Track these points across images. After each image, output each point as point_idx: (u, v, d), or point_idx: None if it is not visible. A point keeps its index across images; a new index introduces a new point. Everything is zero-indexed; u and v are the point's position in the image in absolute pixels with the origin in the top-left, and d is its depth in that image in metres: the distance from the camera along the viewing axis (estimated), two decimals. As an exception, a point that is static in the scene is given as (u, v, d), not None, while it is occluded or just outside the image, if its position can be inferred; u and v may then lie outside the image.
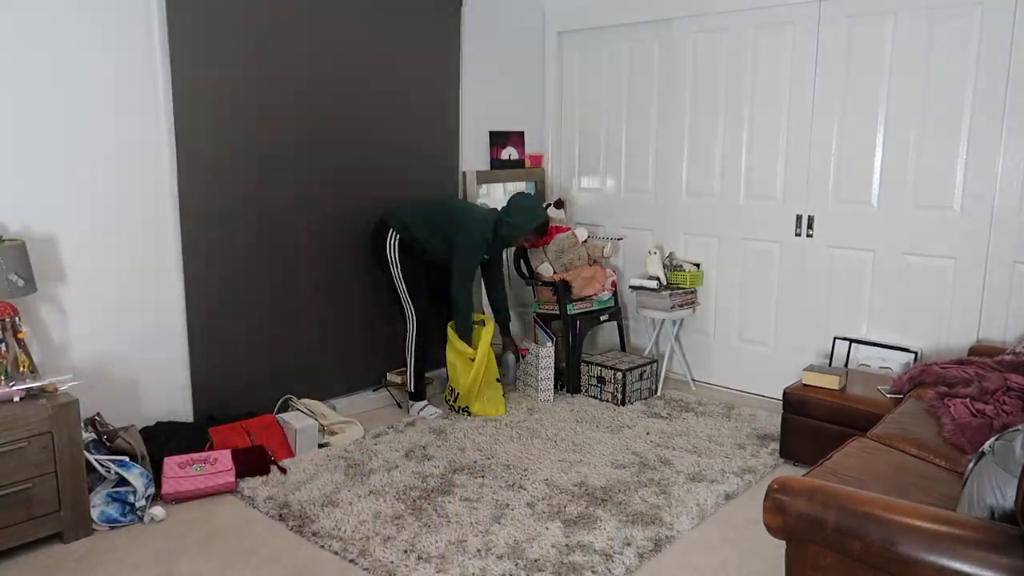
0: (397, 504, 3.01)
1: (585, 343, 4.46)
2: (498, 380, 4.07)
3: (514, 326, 5.08)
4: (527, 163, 4.94)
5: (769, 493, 1.94)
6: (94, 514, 2.80)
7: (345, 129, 3.91)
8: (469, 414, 4.01)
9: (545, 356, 4.23)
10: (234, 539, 2.77)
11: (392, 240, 3.87)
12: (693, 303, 4.39)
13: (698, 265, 4.46)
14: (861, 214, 3.86)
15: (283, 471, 3.30)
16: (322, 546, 2.72)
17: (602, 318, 4.48)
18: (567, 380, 4.37)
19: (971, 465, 1.95)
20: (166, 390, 3.41)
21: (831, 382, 3.35)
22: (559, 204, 4.68)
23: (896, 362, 3.74)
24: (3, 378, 2.65)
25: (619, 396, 4.18)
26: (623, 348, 4.67)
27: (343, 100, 3.88)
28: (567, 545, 2.69)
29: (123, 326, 3.24)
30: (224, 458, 3.15)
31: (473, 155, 4.61)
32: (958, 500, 1.97)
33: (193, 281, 3.41)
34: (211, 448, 3.24)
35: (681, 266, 4.43)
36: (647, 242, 4.70)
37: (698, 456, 3.49)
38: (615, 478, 3.25)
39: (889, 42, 3.67)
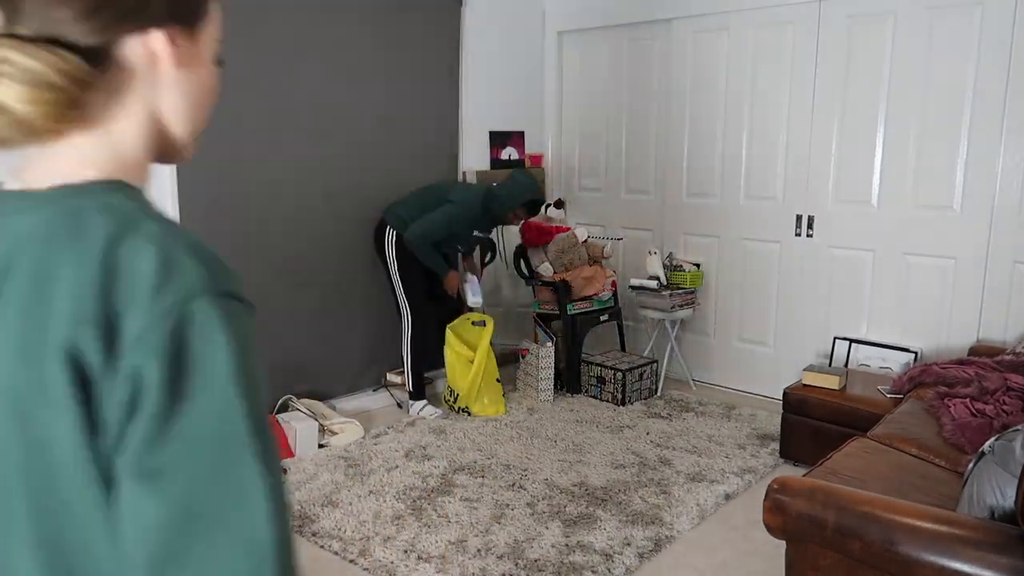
0: (397, 504, 3.01)
1: (585, 343, 4.46)
2: (498, 380, 4.07)
3: (514, 326, 5.08)
4: (527, 163, 4.94)
5: (769, 493, 1.94)
6: (94, 514, 2.80)
7: (344, 129, 3.91)
8: (469, 414, 4.01)
9: (545, 356, 4.23)
10: (234, 539, 2.77)
11: (390, 238, 3.88)
12: (693, 303, 4.39)
13: (698, 265, 4.46)
14: (861, 214, 3.86)
15: (283, 471, 3.30)
16: (322, 546, 2.72)
17: (602, 318, 4.48)
18: (567, 380, 4.37)
19: (971, 465, 1.95)
20: (166, 390, 3.40)
21: (831, 382, 3.35)
22: (559, 204, 4.68)
23: (896, 362, 3.74)
24: (3, 378, 2.64)
25: (619, 396, 4.18)
26: (623, 348, 4.67)
27: (342, 100, 3.88)
28: (567, 545, 2.69)
29: (123, 326, 3.23)
30: (224, 458, 3.15)
31: (473, 155, 4.61)
32: (958, 500, 1.97)
33: (193, 281, 3.41)
34: (211, 448, 3.23)
35: (681, 266, 4.43)
36: (647, 242, 4.70)
37: (698, 456, 3.49)
38: (615, 478, 3.25)
39: (889, 42, 3.67)
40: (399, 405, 4.15)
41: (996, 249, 3.48)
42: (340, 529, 2.82)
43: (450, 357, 4.02)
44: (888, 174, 3.75)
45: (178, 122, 0.70)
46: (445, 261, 3.98)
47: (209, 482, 0.55)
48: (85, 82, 0.61)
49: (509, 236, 4.73)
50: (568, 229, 4.51)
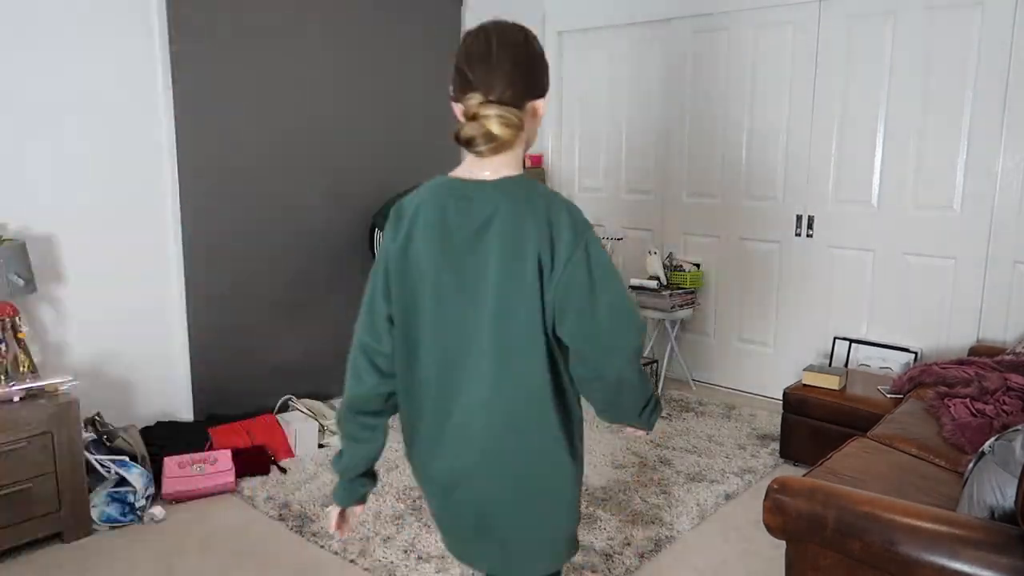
0: (397, 504, 3.01)
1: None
2: None
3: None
4: (527, 163, 4.94)
5: (769, 493, 1.94)
6: (94, 514, 2.80)
7: (345, 129, 3.91)
8: None
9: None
10: (234, 539, 2.77)
11: (377, 240, 3.89)
12: (693, 303, 4.39)
13: (698, 265, 4.46)
14: (861, 214, 3.86)
15: (283, 471, 3.30)
16: (322, 546, 2.72)
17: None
18: (567, 380, 4.35)
19: (971, 465, 1.95)
20: (166, 390, 3.41)
21: (831, 382, 3.35)
22: (559, 204, 4.68)
23: (896, 362, 3.74)
24: (3, 378, 2.65)
25: (619, 396, 4.18)
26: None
27: (342, 100, 3.88)
28: (567, 545, 2.69)
29: (123, 326, 3.24)
30: (224, 458, 3.15)
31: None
32: (958, 500, 1.97)
33: (193, 281, 3.41)
34: (211, 448, 3.24)
35: (681, 266, 4.43)
36: (647, 242, 4.70)
37: (698, 456, 3.49)
38: (615, 478, 3.25)
39: (889, 42, 3.67)
40: (399, 405, 4.15)
41: (996, 249, 3.48)
42: (340, 529, 2.81)
43: None
44: (888, 174, 3.75)
45: (531, 142, 1.39)
46: None
47: (615, 308, 1.28)
48: (521, 122, 1.29)
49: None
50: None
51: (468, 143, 1.28)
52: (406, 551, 2.66)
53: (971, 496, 1.86)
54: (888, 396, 3.24)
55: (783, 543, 1.97)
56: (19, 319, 2.74)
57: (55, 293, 3.04)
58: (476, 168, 1.32)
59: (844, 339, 3.93)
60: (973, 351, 3.36)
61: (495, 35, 1.30)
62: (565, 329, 1.30)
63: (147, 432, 3.21)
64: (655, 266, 4.37)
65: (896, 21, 3.64)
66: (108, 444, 2.99)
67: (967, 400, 2.71)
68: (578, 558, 2.60)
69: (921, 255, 3.70)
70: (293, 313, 3.83)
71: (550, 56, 4.98)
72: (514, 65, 1.29)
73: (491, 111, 1.26)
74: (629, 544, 2.71)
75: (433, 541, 2.72)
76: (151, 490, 2.95)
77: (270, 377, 3.76)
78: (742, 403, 4.23)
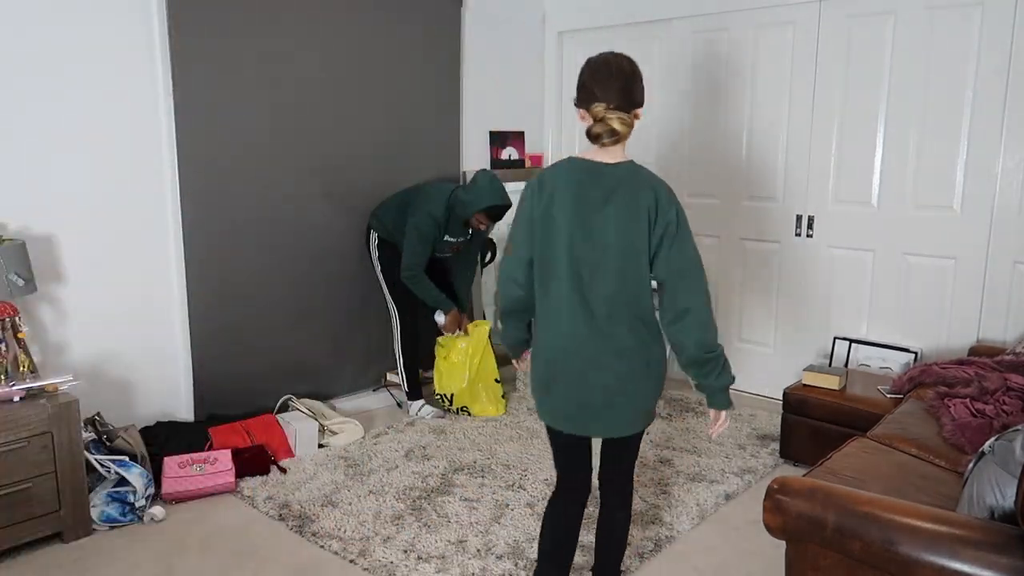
0: (397, 504, 3.01)
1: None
2: (497, 381, 4.07)
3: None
4: (527, 163, 4.94)
5: (769, 493, 1.94)
6: (94, 514, 2.80)
7: (345, 129, 3.91)
8: (469, 414, 4.01)
9: (545, 356, 4.23)
10: (234, 539, 2.77)
11: (373, 240, 3.89)
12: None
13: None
14: (861, 214, 3.86)
15: (283, 471, 3.30)
16: (322, 546, 2.72)
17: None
18: (567, 380, 4.36)
19: (971, 465, 1.95)
20: (166, 390, 3.41)
21: (831, 382, 3.35)
22: (559, 204, 4.68)
23: (896, 362, 3.74)
24: (3, 378, 2.65)
25: (619, 396, 4.18)
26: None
27: (343, 100, 3.88)
28: (567, 545, 2.69)
29: (123, 326, 3.24)
30: (224, 458, 3.15)
31: (473, 155, 4.61)
32: (958, 500, 1.97)
33: (193, 281, 3.41)
34: (211, 448, 3.24)
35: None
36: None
37: (698, 456, 3.49)
38: (615, 478, 3.25)
39: (889, 42, 3.67)
40: (399, 405, 4.15)
41: (996, 249, 3.48)
42: (340, 529, 2.82)
43: (440, 365, 3.99)
44: (888, 174, 3.75)
45: (628, 137, 1.94)
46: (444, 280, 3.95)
47: (693, 253, 1.96)
48: (631, 123, 1.93)
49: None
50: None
51: (597, 138, 1.93)
52: (406, 551, 2.66)
53: (971, 496, 1.86)
54: (888, 396, 3.24)
55: (783, 543, 1.97)
56: (19, 319, 2.74)
57: (55, 293, 3.04)
58: (599, 155, 1.97)
59: (844, 339, 3.93)
60: (973, 351, 3.35)
61: (613, 63, 1.94)
62: (659, 262, 1.96)
63: (147, 432, 3.21)
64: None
65: (896, 21, 3.64)
66: (108, 444, 2.99)
67: (967, 400, 2.71)
68: (578, 558, 2.60)
69: (921, 255, 3.70)
70: (293, 313, 3.83)
71: (550, 56, 4.98)
72: (624, 84, 1.92)
73: (613, 115, 1.90)
74: (629, 544, 2.71)
75: (433, 541, 2.72)
76: (151, 490, 2.95)
77: (270, 377, 3.76)
78: (742, 403, 4.23)
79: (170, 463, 3.06)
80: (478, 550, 2.66)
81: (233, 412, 3.57)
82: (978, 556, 1.59)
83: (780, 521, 1.91)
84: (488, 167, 4.68)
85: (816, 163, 3.97)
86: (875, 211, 3.81)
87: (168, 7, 3.18)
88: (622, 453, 2.18)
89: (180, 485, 3.03)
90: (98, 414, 3.07)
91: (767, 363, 4.30)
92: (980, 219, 3.50)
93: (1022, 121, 3.35)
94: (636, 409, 2.05)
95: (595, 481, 2.21)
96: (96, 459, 2.88)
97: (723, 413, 2.13)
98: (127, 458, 2.96)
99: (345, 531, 2.80)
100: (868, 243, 3.85)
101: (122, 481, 2.90)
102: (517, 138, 4.87)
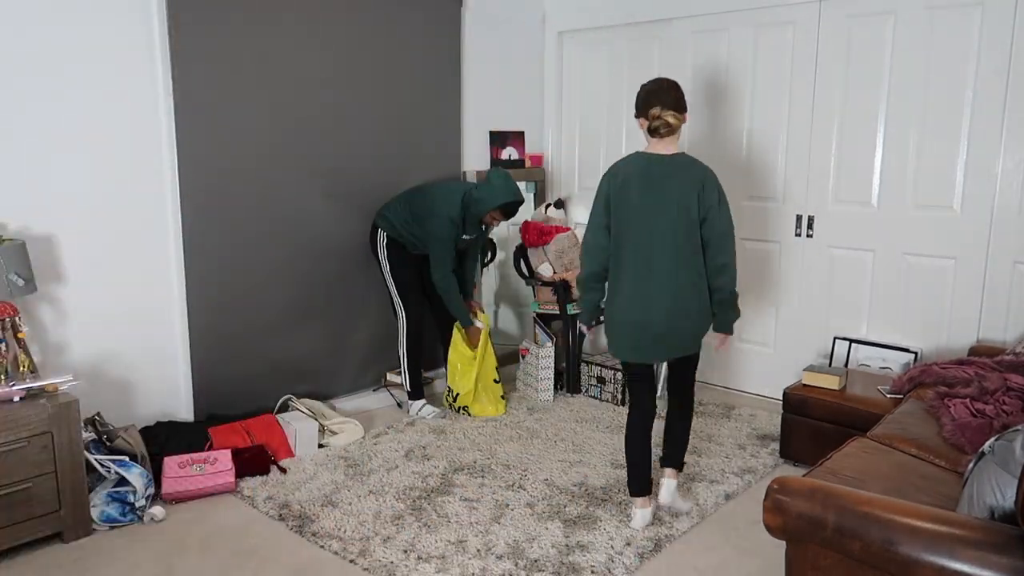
0: (397, 504, 3.01)
1: (585, 343, 4.46)
2: (496, 381, 4.07)
3: (514, 326, 5.08)
4: (527, 163, 4.94)
5: (769, 493, 1.93)
6: (94, 514, 2.80)
7: (345, 129, 3.91)
8: (469, 415, 4.01)
9: (545, 356, 4.23)
10: (234, 539, 2.77)
11: (381, 239, 3.88)
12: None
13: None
14: (861, 214, 3.86)
15: (283, 471, 3.30)
16: (322, 546, 2.72)
17: (602, 318, 4.48)
18: (567, 380, 4.37)
19: (971, 465, 1.95)
20: (166, 390, 3.41)
21: (831, 382, 3.35)
22: (559, 204, 4.68)
23: (896, 362, 3.74)
24: (3, 378, 2.65)
25: (619, 396, 4.18)
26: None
27: (343, 100, 3.88)
28: (567, 545, 2.69)
29: (123, 326, 3.24)
30: (224, 458, 3.15)
31: (473, 155, 4.61)
32: (958, 500, 1.97)
33: (193, 280, 3.41)
34: (211, 448, 3.24)
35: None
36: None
37: (698, 456, 3.48)
38: (615, 478, 3.25)
39: (889, 42, 3.67)
40: (399, 405, 4.15)
41: (996, 249, 3.48)
42: (340, 529, 2.82)
43: (453, 357, 4.02)
44: (888, 174, 3.75)
45: (679, 133, 2.71)
46: (426, 263, 3.94)
47: (729, 223, 2.68)
48: (680, 121, 2.68)
49: (511, 234, 4.72)
50: (568, 229, 4.51)
51: (655, 131, 2.67)
52: (406, 551, 2.66)
53: (971, 496, 1.86)
54: (888, 396, 3.24)
55: (783, 543, 1.97)
56: (19, 319, 2.74)
57: (55, 293, 3.04)
58: (658, 148, 2.70)
59: (844, 339, 3.93)
60: (973, 351, 3.35)
61: (663, 82, 2.73)
62: (706, 226, 2.66)
63: (147, 432, 3.21)
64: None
65: (896, 21, 3.64)
66: (108, 444, 2.99)
67: (967, 400, 2.71)
68: (578, 558, 2.60)
69: (921, 255, 3.70)
70: (293, 313, 3.83)
71: (550, 56, 4.98)
72: (672, 95, 2.69)
73: (668, 113, 2.64)
74: (629, 544, 2.71)
75: (433, 541, 2.72)
76: (151, 490, 2.95)
77: (270, 377, 3.76)
78: (742, 403, 4.23)
79: (170, 463, 3.06)
80: (478, 550, 2.66)
81: (233, 412, 3.57)
82: (978, 556, 1.59)
83: (780, 521, 1.91)
84: (488, 167, 4.68)
85: (816, 163, 3.97)
86: (875, 211, 3.81)
87: (168, 7, 3.18)
88: (686, 370, 2.89)
89: (180, 485, 3.03)
90: (98, 414, 3.07)
91: (767, 363, 4.30)
92: (980, 219, 3.50)
93: (1022, 121, 3.35)
94: (696, 334, 2.77)
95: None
96: (96, 459, 2.88)
97: (728, 337, 2.88)
98: (127, 458, 2.96)
99: (345, 531, 2.80)
100: (868, 243, 3.85)
101: (122, 481, 2.90)
102: (517, 138, 4.87)
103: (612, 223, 2.71)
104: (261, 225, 3.64)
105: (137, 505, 2.87)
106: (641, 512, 2.82)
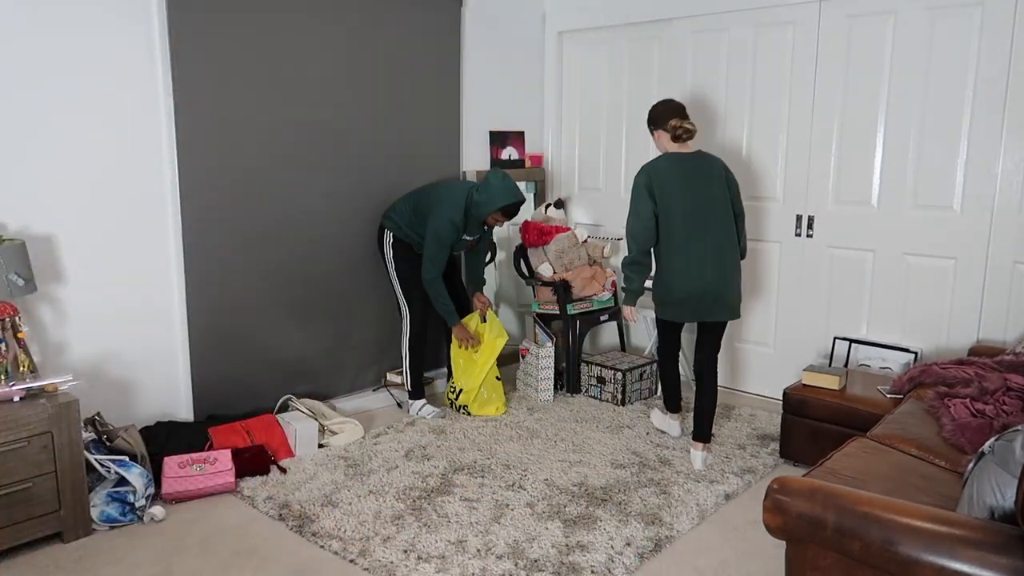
0: (397, 504, 3.01)
1: (585, 343, 4.46)
2: (498, 379, 4.07)
3: (514, 326, 5.08)
4: (527, 163, 4.94)
5: (769, 493, 1.93)
6: (94, 514, 2.80)
7: (345, 129, 3.91)
8: (469, 414, 4.01)
9: (545, 356, 4.23)
10: (234, 539, 2.77)
11: (387, 240, 3.89)
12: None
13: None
14: (861, 214, 3.86)
15: (283, 471, 3.30)
16: (322, 546, 2.72)
17: (602, 318, 4.49)
18: (567, 380, 4.37)
19: (971, 465, 1.95)
20: (166, 390, 3.41)
21: (831, 382, 3.35)
22: (559, 204, 4.68)
23: (896, 362, 3.74)
24: (3, 378, 2.65)
25: (619, 396, 4.18)
26: (623, 348, 4.67)
27: (343, 100, 3.88)
28: (567, 545, 2.69)
29: (123, 326, 3.24)
30: (224, 458, 3.15)
31: (473, 155, 4.61)
32: (958, 500, 1.97)
33: (193, 281, 3.41)
34: (211, 448, 3.24)
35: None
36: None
37: (698, 456, 3.48)
38: (615, 478, 3.25)
39: (889, 42, 3.67)
40: (399, 405, 4.15)
41: (996, 249, 3.48)
42: (340, 529, 2.82)
43: (455, 353, 4.02)
44: (888, 174, 3.75)
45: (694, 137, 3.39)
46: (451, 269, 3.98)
47: (740, 200, 3.42)
48: (695, 129, 3.37)
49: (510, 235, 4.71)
50: (568, 229, 4.51)
51: (679, 138, 3.27)
52: (406, 551, 2.66)
53: (971, 496, 1.86)
54: (888, 396, 3.24)
55: (783, 543, 1.97)
56: (19, 319, 2.74)
57: (55, 293, 3.04)
58: (681, 150, 3.31)
59: (844, 339, 3.93)
60: (973, 351, 3.35)
61: (672, 101, 3.40)
62: (734, 206, 3.32)
63: (147, 432, 3.21)
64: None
65: (896, 21, 3.64)
66: (108, 444, 2.99)
67: (967, 400, 2.71)
68: (578, 558, 2.60)
69: (921, 255, 3.70)
70: (293, 313, 3.83)
71: (550, 56, 4.98)
72: (683, 108, 3.33)
73: (687, 122, 3.28)
74: (629, 544, 2.71)
75: (433, 541, 2.72)
76: (151, 490, 2.95)
77: (270, 377, 3.76)
78: (742, 403, 4.23)
79: (170, 463, 3.06)
80: (478, 550, 2.66)
81: (233, 412, 3.57)
82: (978, 556, 1.59)
83: (780, 521, 1.91)
84: (488, 167, 4.68)
85: (816, 163, 3.97)
86: (875, 211, 3.81)
87: (168, 8, 3.18)
88: (717, 337, 3.42)
89: (180, 485, 3.03)
90: (98, 414, 3.07)
91: (767, 363, 4.30)
92: (980, 219, 3.51)
93: (1022, 121, 3.35)
94: (735, 304, 3.33)
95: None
96: (96, 459, 2.88)
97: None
98: (127, 458, 2.96)
99: (345, 531, 2.80)
100: (868, 243, 3.85)
101: (122, 481, 2.90)
102: (517, 138, 4.87)
103: (660, 211, 3.21)
104: (261, 225, 3.64)
105: (137, 505, 2.88)
106: (680, 424, 3.72)
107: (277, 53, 3.59)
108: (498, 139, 4.75)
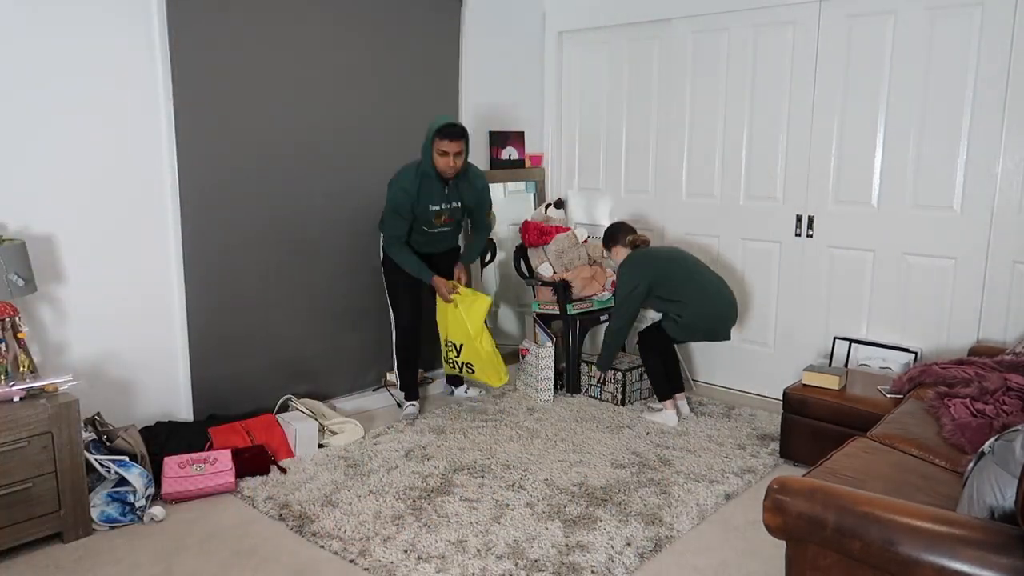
0: (397, 504, 3.01)
1: (585, 343, 4.46)
2: (497, 347, 3.97)
3: (514, 326, 5.08)
4: (527, 163, 4.94)
5: (769, 493, 1.93)
6: (94, 514, 2.80)
7: (345, 129, 3.91)
8: (472, 372, 3.95)
9: (545, 356, 4.23)
10: (234, 539, 2.77)
11: (380, 247, 3.89)
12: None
13: (698, 265, 4.46)
14: (861, 214, 3.86)
15: (283, 471, 3.30)
16: (322, 546, 2.72)
17: (602, 318, 4.48)
18: (567, 380, 4.37)
19: (971, 465, 1.95)
20: (166, 390, 3.41)
21: (831, 382, 3.35)
22: (559, 204, 4.69)
23: (896, 362, 3.74)
24: (3, 378, 2.65)
25: (619, 396, 4.18)
26: (623, 348, 4.67)
27: (343, 100, 3.88)
28: (567, 545, 2.69)
29: (123, 326, 3.24)
30: (224, 458, 3.15)
31: (473, 155, 4.59)
32: (958, 500, 1.97)
33: (193, 281, 3.41)
34: (211, 448, 3.24)
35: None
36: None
37: (698, 456, 3.48)
38: (615, 478, 3.25)
39: (889, 42, 3.67)
40: (399, 405, 4.15)
41: (996, 249, 3.48)
42: (340, 529, 2.82)
43: (440, 311, 3.93)
44: (888, 174, 3.75)
45: None
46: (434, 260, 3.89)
47: None
48: None
49: (509, 235, 4.71)
50: (568, 229, 4.51)
51: (642, 244, 3.99)
52: (406, 551, 2.66)
53: (971, 496, 1.86)
54: (888, 396, 3.24)
55: (783, 543, 1.97)
56: (19, 319, 2.74)
57: (55, 293, 3.04)
58: (639, 245, 4.01)
59: (844, 339, 3.93)
60: (973, 351, 3.35)
61: (620, 222, 4.13)
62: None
63: (147, 432, 3.21)
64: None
65: (896, 21, 3.64)
66: (108, 444, 2.99)
67: (967, 400, 2.71)
68: (578, 558, 2.60)
69: (921, 255, 3.70)
70: (293, 313, 3.83)
71: (550, 56, 4.98)
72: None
73: (639, 235, 4.05)
74: (629, 544, 2.71)
75: (433, 541, 2.72)
76: (151, 490, 2.95)
77: (270, 377, 3.76)
78: (742, 403, 4.23)
79: (170, 463, 3.06)
80: (478, 550, 2.66)
81: (233, 412, 3.57)
82: (978, 556, 1.59)
83: (780, 521, 1.91)
84: (488, 167, 4.68)
85: (816, 163, 3.97)
86: (875, 211, 3.81)
87: (168, 8, 3.18)
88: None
89: (180, 485, 3.03)
90: (98, 414, 3.07)
91: (767, 363, 4.30)
92: (980, 219, 3.50)
93: (1022, 121, 3.35)
94: (734, 323, 3.91)
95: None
96: (96, 459, 2.88)
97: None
98: (127, 458, 2.96)
99: (345, 531, 2.80)
100: (868, 243, 3.85)
101: (122, 481, 2.90)
102: (517, 138, 4.87)
103: (662, 286, 3.81)
104: (261, 225, 3.64)
105: (137, 505, 2.87)
106: (675, 412, 3.93)
107: (277, 53, 3.59)
108: (498, 139, 4.75)
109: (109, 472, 2.90)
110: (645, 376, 4.29)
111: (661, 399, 3.95)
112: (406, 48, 4.13)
